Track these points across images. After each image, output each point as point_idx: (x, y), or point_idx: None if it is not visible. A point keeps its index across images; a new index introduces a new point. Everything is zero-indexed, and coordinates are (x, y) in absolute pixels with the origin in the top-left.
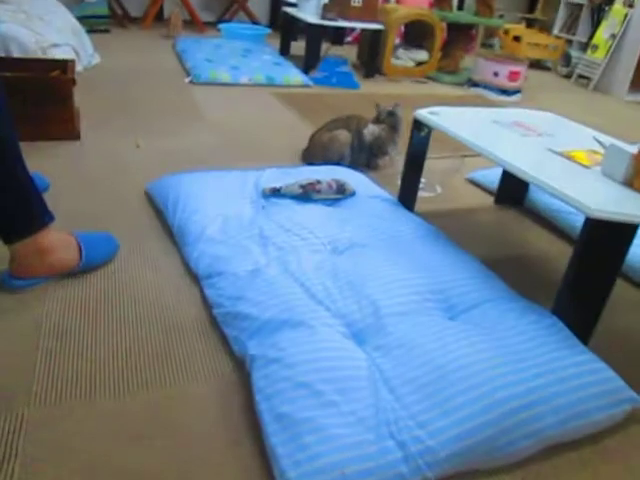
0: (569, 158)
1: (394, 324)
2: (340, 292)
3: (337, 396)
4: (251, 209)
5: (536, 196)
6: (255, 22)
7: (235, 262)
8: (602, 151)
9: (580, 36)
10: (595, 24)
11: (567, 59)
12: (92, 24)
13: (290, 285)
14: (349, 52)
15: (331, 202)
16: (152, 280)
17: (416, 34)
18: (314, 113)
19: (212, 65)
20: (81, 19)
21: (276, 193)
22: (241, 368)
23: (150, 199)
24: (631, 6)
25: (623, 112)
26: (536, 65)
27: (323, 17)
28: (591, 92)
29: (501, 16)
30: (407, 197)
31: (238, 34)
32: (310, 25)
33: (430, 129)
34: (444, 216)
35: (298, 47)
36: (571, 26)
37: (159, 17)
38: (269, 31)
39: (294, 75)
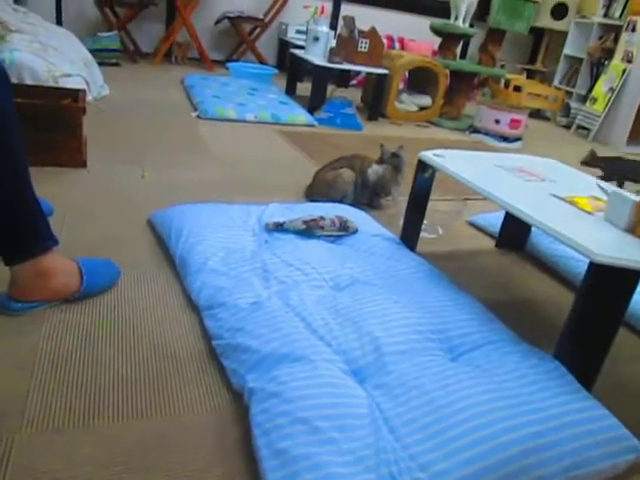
0: (572, 204)
1: (395, 363)
2: (341, 328)
3: (336, 433)
4: (254, 242)
5: (537, 241)
6: (262, 62)
7: (237, 294)
8: (604, 198)
9: (579, 88)
10: (594, 77)
11: (567, 110)
12: (104, 57)
13: (291, 319)
14: (354, 94)
15: (334, 239)
16: (152, 309)
17: (419, 80)
18: (318, 152)
19: (219, 101)
20: (93, 52)
21: (279, 228)
22: (239, 401)
23: (153, 228)
24: (630, 61)
25: None
26: (536, 115)
27: (330, 60)
28: (590, 142)
29: (502, 66)
30: (409, 237)
31: (246, 73)
32: (317, 67)
33: (434, 171)
34: (445, 258)
35: (304, 88)
36: (571, 78)
37: (169, 55)
38: (276, 71)
39: (299, 114)
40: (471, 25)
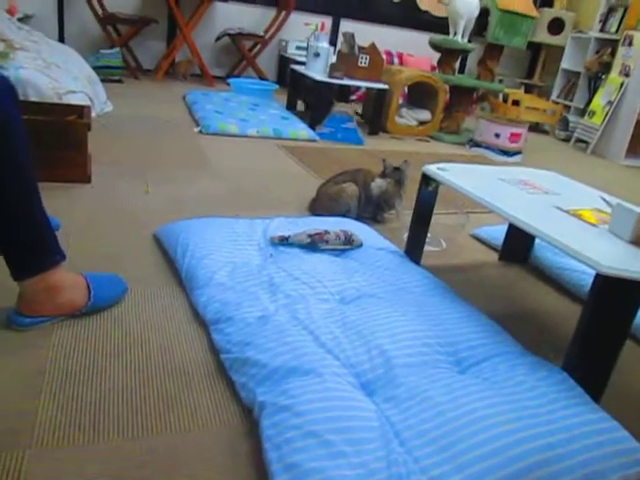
0: (576, 216)
1: (404, 375)
2: (349, 342)
3: (347, 447)
4: (259, 256)
5: (541, 253)
6: (263, 78)
7: (244, 308)
8: (608, 210)
9: (577, 102)
10: (592, 91)
11: (565, 123)
12: (106, 74)
13: (299, 333)
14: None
15: (338, 253)
16: (159, 324)
17: (419, 95)
18: (320, 166)
19: (221, 117)
20: (96, 69)
21: (284, 242)
22: (248, 415)
23: (159, 243)
24: (627, 75)
25: (620, 175)
26: (535, 128)
27: (330, 75)
28: (589, 155)
29: (501, 81)
30: (414, 250)
31: (247, 89)
32: (317, 82)
33: (438, 184)
34: (450, 270)
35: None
36: (569, 92)
37: (170, 72)
38: (277, 87)
39: (301, 129)
40: (469, 40)
